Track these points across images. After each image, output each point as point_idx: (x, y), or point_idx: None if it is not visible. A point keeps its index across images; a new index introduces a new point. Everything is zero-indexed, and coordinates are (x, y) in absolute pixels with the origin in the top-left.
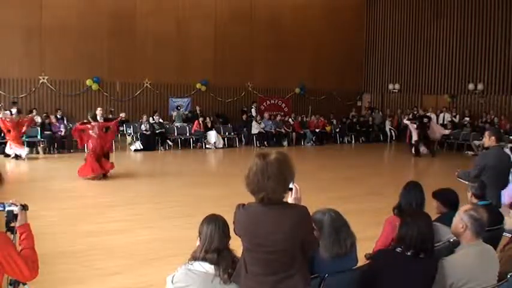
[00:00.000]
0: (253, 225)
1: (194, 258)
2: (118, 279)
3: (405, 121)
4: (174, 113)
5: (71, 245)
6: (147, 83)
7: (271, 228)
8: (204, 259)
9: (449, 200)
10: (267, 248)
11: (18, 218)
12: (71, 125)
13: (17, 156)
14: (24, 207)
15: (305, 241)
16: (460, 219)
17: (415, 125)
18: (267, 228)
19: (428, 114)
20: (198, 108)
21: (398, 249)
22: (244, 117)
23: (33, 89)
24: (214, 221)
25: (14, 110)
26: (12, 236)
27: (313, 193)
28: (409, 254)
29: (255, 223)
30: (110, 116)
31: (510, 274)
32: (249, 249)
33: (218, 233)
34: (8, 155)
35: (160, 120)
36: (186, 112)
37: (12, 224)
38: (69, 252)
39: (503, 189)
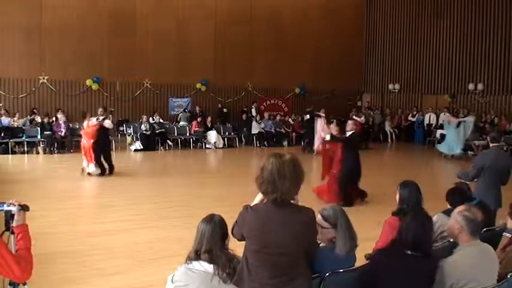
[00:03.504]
0: (262, 226)
1: (189, 258)
2: (118, 279)
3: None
4: (180, 114)
5: (71, 245)
6: (147, 83)
7: (281, 229)
8: (198, 259)
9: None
10: (275, 249)
11: (15, 218)
12: (71, 125)
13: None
14: (24, 208)
15: (310, 243)
16: (455, 220)
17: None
18: (276, 228)
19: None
20: (198, 108)
21: (399, 249)
22: (244, 117)
23: (33, 89)
24: (207, 222)
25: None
26: (12, 236)
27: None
28: (408, 253)
29: (265, 224)
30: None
31: (510, 274)
32: (256, 251)
33: (208, 234)
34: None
35: (161, 120)
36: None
37: (11, 224)
38: (69, 252)
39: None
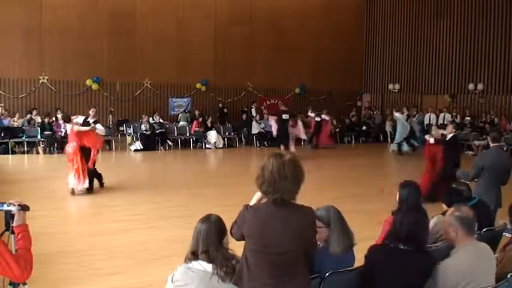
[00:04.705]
0: (262, 225)
1: (187, 258)
2: (118, 279)
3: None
4: (180, 114)
5: (71, 245)
6: (147, 83)
7: (280, 229)
8: (196, 259)
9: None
10: (274, 248)
11: (15, 218)
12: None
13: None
14: (24, 208)
15: (310, 242)
16: (449, 224)
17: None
18: (276, 228)
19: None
20: (197, 112)
21: (391, 244)
22: (244, 117)
23: (33, 89)
24: (203, 222)
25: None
26: (12, 236)
27: (313, 193)
28: (401, 247)
29: (265, 224)
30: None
31: (510, 274)
32: (255, 250)
33: (204, 235)
34: None
35: (161, 120)
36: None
37: (11, 224)
38: (69, 252)
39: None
